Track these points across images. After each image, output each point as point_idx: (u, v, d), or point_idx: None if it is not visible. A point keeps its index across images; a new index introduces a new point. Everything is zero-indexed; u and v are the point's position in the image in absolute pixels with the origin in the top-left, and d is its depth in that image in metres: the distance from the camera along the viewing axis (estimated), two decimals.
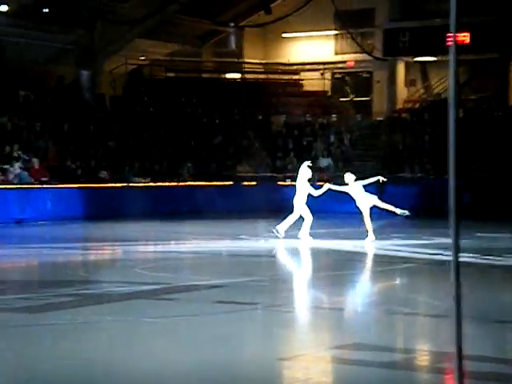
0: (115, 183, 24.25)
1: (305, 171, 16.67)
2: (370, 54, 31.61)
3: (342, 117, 32.09)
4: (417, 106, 32.34)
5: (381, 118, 32.32)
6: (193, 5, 29.99)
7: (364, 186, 16.55)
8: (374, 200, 16.56)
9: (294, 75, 34.33)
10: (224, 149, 28.96)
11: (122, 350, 7.02)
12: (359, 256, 14.59)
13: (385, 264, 13.20)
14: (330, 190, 16.61)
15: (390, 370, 6.28)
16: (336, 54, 33.74)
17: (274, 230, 16.45)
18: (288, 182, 27.68)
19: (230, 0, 32.31)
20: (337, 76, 34.18)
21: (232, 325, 8.10)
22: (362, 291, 11.01)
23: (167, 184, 25.48)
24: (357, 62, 33.02)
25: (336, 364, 6.61)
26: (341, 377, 6.22)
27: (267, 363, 6.47)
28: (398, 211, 16.72)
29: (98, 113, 28.22)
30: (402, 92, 33.01)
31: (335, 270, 12.66)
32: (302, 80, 34.10)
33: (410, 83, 33.09)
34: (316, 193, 16.54)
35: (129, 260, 13.66)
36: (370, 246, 15.75)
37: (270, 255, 14.62)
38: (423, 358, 7.00)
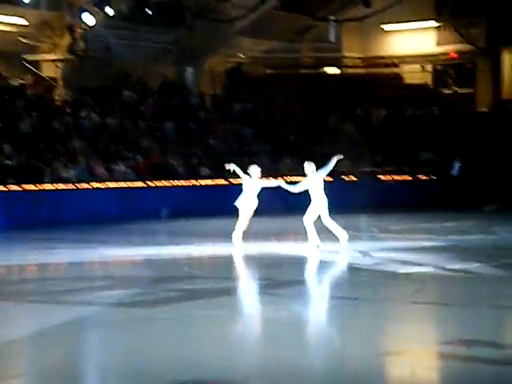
0: (215, 180, 24.54)
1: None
2: (473, 44, 30.80)
3: (445, 109, 31.42)
4: None
5: (485, 110, 31.47)
6: (291, 0, 29.99)
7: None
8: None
9: (394, 68, 33.84)
10: (322, 144, 28.84)
11: (225, 343, 7.09)
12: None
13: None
14: (280, 187, 14.63)
15: (501, 366, 6.10)
16: (438, 44, 33.03)
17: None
18: (388, 177, 27.39)
19: None
20: (439, 68, 33.48)
21: (337, 320, 8.06)
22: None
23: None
24: (459, 52, 32.25)
25: (443, 360, 6.47)
26: (448, 373, 6.08)
27: (372, 358, 6.40)
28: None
29: (199, 111, 28.64)
30: (508, 82, 32.02)
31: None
32: (403, 73, 33.58)
33: None
34: (292, 189, 14.60)
35: (230, 256, 13.79)
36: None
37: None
38: None
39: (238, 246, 14.58)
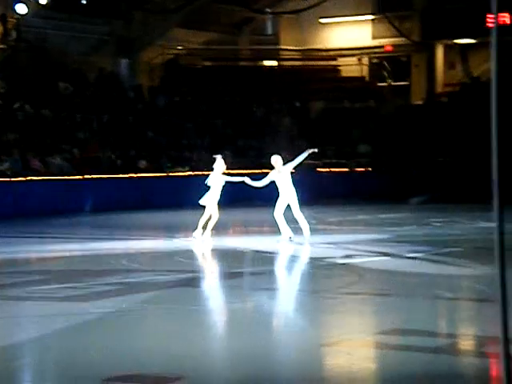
0: (154, 173, 24.41)
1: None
2: (408, 37, 31.29)
3: (381, 102, 31.87)
4: (456, 89, 31.97)
5: (420, 103, 32.02)
6: None
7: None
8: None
9: (331, 61, 34.15)
10: (261, 137, 28.95)
11: (166, 336, 7.08)
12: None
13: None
14: (245, 183, 14.42)
15: (434, 354, 6.24)
16: (373, 38, 33.46)
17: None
18: (327, 169, 27.65)
19: None
20: (374, 61, 33.92)
21: (275, 311, 8.12)
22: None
23: (206, 173, 25.54)
24: (395, 46, 32.72)
25: (380, 349, 6.59)
26: (385, 362, 6.20)
27: (311, 349, 6.48)
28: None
29: (136, 103, 28.41)
30: (442, 75, 32.65)
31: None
32: (340, 66, 33.91)
33: (449, 66, 32.71)
34: (257, 183, 14.42)
35: (169, 249, 13.76)
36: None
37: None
38: (467, 343, 6.96)
39: (203, 241, 14.23)
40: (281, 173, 14.10)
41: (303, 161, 14.42)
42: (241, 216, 20.52)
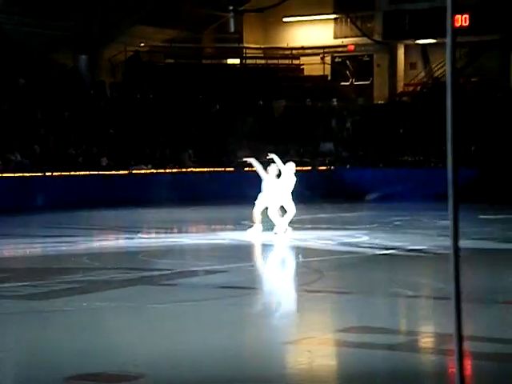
0: (117, 171, 24.27)
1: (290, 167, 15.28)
2: (369, 37, 31.53)
3: (343, 101, 32.06)
4: (417, 89, 32.30)
5: (382, 102, 32.29)
6: None
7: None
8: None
9: (294, 60, 34.26)
10: (224, 135, 28.95)
11: (127, 334, 7.07)
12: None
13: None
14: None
15: (393, 351, 6.32)
16: (335, 37, 33.65)
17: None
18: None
19: None
20: (337, 60, 34.11)
21: (235, 310, 8.15)
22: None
23: (169, 171, 25.49)
24: (357, 45, 32.95)
25: (340, 347, 6.65)
26: (345, 360, 6.26)
27: (271, 347, 6.52)
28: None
29: (98, 100, 28.22)
30: (403, 75, 32.96)
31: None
32: (303, 65, 34.04)
33: (410, 66, 33.04)
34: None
35: (132, 247, 13.70)
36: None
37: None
38: (426, 340, 7.05)
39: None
40: (273, 180, 14.85)
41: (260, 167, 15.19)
42: (206, 214, 20.52)
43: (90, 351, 6.35)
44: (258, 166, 15.24)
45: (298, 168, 16.36)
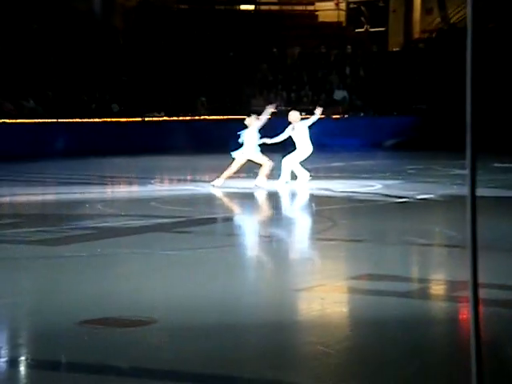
0: (129, 118, 24.22)
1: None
2: None
3: (358, 48, 31.67)
4: (433, 35, 31.82)
5: (397, 49, 31.87)
6: None
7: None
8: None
9: (308, 6, 33.77)
10: (237, 82, 28.74)
11: (140, 281, 7.11)
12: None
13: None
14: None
15: (405, 298, 6.33)
16: None
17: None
18: (303, 115, 27.53)
19: None
20: (352, 6, 33.60)
21: (247, 257, 8.17)
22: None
23: (181, 118, 25.41)
24: None
25: (353, 294, 6.67)
26: (357, 307, 6.28)
27: (283, 294, 6.54)
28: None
29: (111, 46, 28.00)
30: (419, 21, 32.45)
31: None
32: (317, 11, 33.55)
33: (426, 12, 32.51)
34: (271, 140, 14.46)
35: (145, 194, 13.73)
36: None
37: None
38: (439, 287, 7.06)
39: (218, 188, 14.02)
40: (295, 130, 14.41)
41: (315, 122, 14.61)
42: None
43: (103, 296, 6.40)
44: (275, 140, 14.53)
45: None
